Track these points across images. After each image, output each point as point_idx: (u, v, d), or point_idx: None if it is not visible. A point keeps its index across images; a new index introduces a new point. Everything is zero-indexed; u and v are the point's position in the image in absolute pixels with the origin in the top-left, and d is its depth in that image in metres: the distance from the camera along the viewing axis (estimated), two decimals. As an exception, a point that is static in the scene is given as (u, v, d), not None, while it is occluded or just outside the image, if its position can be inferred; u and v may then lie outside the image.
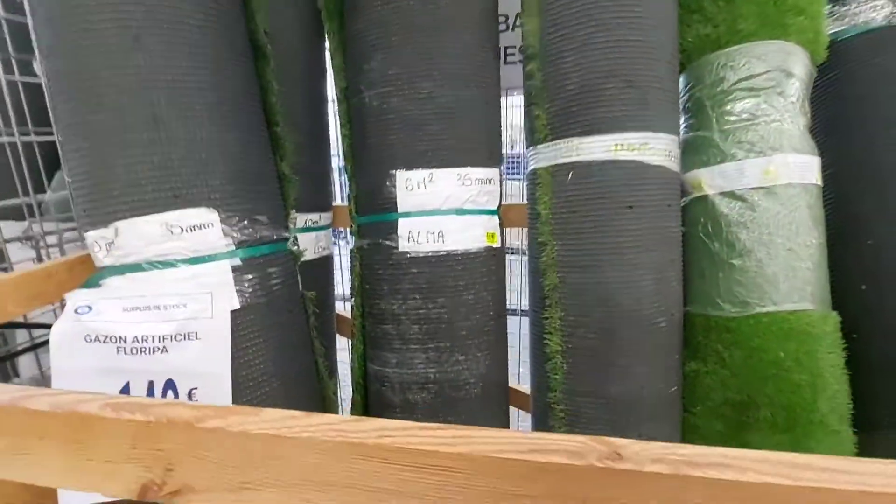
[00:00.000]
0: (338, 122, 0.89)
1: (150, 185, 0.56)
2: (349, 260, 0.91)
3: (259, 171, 0.67)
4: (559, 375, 0.78)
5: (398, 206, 0.78)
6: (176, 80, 0.57)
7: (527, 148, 0.88)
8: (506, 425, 0.88)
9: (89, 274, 0.63)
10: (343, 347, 1.13)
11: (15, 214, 0.76)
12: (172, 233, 0.58)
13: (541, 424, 0.86)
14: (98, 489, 0.28)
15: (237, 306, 0.62)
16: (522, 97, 0.88)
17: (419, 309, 0.79)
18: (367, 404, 0.90)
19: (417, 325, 0.80)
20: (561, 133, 0.76)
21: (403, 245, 0.79)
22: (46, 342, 0.69)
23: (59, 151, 0.60)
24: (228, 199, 0.61)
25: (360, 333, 0.87)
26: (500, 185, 0.83)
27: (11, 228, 0.78)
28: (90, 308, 0.57)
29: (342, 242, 1.81)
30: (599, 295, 0.74)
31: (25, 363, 0.76)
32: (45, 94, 0.60)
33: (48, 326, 0.58)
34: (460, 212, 0.79)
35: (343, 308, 1.21)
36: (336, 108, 0.87)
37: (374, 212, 0.82)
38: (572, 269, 0.76)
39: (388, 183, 0.79)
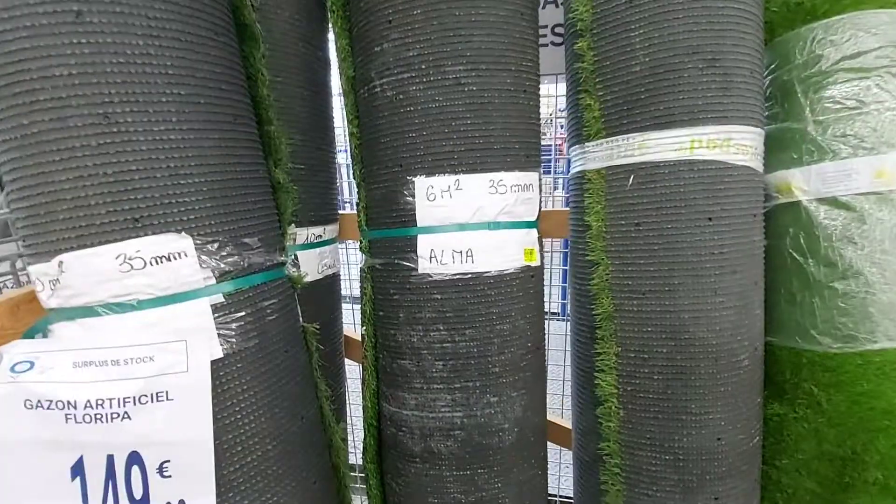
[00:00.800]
0: (344, 119, 0.75)
1: (101, 207, 0.43)
2: (359, 277, 0.78)
3: (246, 182, 0.53)
4: (614, 423, 0.65)
5: (418, 219, 0.65)
6: (132, 66, 0.44)
7: (569, 147, 0.74)
8: (545, 476, 0.74)
9: (37, 316, 0.51)
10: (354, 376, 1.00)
11: None
12: (133, 266, 0.45)
13: (587, 476, 0.73)
14: None
15: (220, 355, 0.49)
16: (564, 84, 0.73)
17: (444, 342, 0.66)
18: (380, 450, 0.77)
19: (442, 360, 0.66)
20: (620, 128, 0.62)
21: (424, 266, 0.65)
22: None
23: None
24: (206, 219, 0.48)
25: (372, 367, 0.74)
26: (540, 192, 0.69)
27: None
28: (31, 364, 0.45)
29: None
30: (668, 326, 0.60)
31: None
32: None
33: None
34: (493, 225, 0.65)
35: (353, 326, 1.08)
36: (343, 101, 0.74)
37: (389, 225, 0.68)
38: (632, 294, 0.62)
39: (405, 191, 0.65)
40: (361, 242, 0.74)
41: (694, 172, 0.58)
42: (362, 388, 0.77)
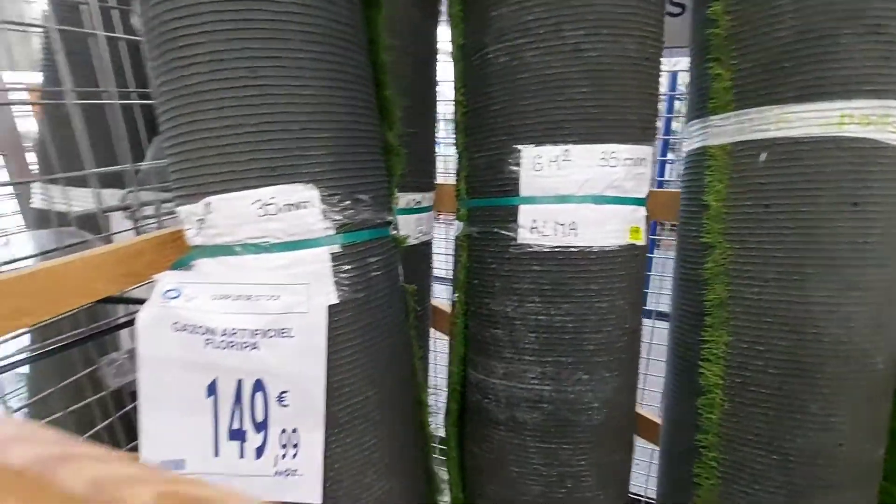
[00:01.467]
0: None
1: (244, 155, 0.47)
2: (453, 249, 0.79)
3: (364, 142, 0.56)
4: (715, 415, 0.61)
5: (521, 188, 0.64)
6: (277, 23, 0.47)
7: (688, 121, 0.69)
8: (629, 462, 0.72)
9: (180, 253, 0.57)
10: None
11: (118, 182, 0.73)
12: (268, 211, 0.48)
13: (677, 469, 0.70)
14: None
15: (335, 301, 0.52)
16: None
17: (539, 314, 0.66)
18: (462, 415, 0.79)
19: (535, 333, 0.66)
20: (754, 99, 0.57)
21: (524, 236, 0.65)
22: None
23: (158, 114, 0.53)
24: (329, 173, 0.51)
25: (461, 334, 0.76)
26: (653, 168, 0.66)
27: (114, 197, 0.76)
28: (178, 293, 0.50)
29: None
30: (792, 318, 0.55)
31: (125, 337, 0.73)
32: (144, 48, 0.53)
33: (142, 302, 0.53)
34: (599, 199, 0.63)
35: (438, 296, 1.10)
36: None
37: (490, 194, 0.68)
38: (753, 281, 0.57)
39: (510, 160, 0.65)
40: (459, 211, 0.75)
41: (841, 151, 0.52)
42: (450, 354, 0.79)
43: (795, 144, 0.53)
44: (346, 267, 0.53)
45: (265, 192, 0.48)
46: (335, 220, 0.52)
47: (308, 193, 0.50)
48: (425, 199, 0.81)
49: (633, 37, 0.61)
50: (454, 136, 0.75)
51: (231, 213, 0.48)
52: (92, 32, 0.67)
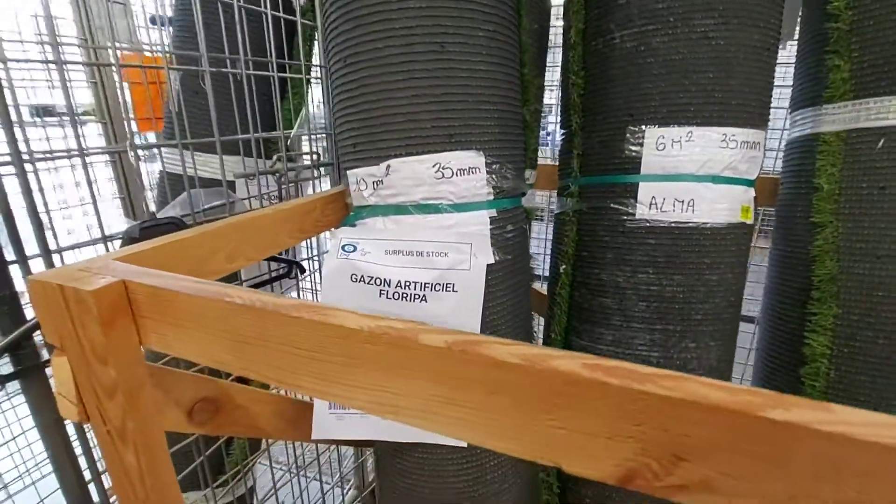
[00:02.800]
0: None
1: (427, 122, 0.52)
2: (553, 225, 0.84)
3: (515, 116, 0.60)
4: (820, 383, 0.66)
5: (643, 166, 0.69)
6: (461, 2, 0.51)
7: (794, 109, 0.74)
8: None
9: (338, 212, 0.62)
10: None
11: (235, 150, 0.78)
12: (444, 175, 0.54)
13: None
14: (559, 461, 0.23)
15: (492, 260, 0.57)
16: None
17: (651, 284, 0.70)
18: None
19: (645, 301, 0.71)
20: (874, 89, 0.61)
21: (642, 212, 0.69)
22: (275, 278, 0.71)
23: (329, 85, 0.58)
24: (494, 143, 0.56)
25: (565, 304, 0.81)
26: (764, 151, 0.70)
27: (236, 164, 0.81)
28: (354, 247, 0.56)
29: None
30: (904, 293, 0.60)
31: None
32: (319, 22, 0.57)
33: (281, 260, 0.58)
34: (717, 179, 0.67)
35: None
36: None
37: (607, 171, 0.73)
38: (864, 257, 0.62)
39: (628, 138, 0.70)
40: (568, 188, 0.79)
41: (965, 137, 0.56)
42: (551, 324, 0.84)
43: (919, 131, 0.58)
44: (499, 230, 0.59)
45: (444, 157, 0.53)
46: (494, 187, 0.57)
47: (478, 160, 0.55)
48: (532, 176, 0.86)
49: (758, 27, 0.65)
50: (564, 116, 0.80)
51: (410, 174, 0.54)
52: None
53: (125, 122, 1.11)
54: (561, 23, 0.82)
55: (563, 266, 0.80)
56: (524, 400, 0.23)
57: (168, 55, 0.82)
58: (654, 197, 0.69)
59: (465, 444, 0.60)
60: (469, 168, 0.54)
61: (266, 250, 0.53)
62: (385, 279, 0.54)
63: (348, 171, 0.58)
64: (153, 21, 1.03)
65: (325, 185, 0.93)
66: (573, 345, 0.80)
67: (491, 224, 0.57)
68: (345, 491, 1.27)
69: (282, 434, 0.59)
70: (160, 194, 0.84)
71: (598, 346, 0.76)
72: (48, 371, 0.47)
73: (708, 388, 0.21)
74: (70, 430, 0.53)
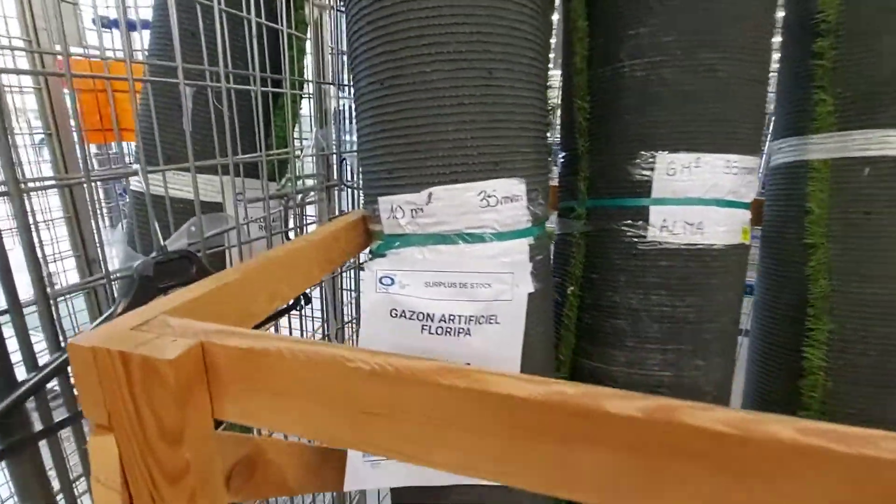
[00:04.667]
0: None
1: (474, 150, 0.50)
2: (555, 246, 0.84)
3: (545, 142, 0.60)
4: (818, 394, 0.71)
5: (654, 190, 0.71)
6: (510, 30, 0.50)
7: (776, 137, 0.79)
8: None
9: (358, 239, 0.58)
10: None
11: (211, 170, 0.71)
12: (489, 203, 0.52)
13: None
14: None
15: (532, 290, 0.56)
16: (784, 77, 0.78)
17: (663, 306, 0.72)
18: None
19: (658, 322, 0.73)
20: (857, 122, 0.67)
21: (654, 234, 0.71)
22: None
23: (356, 106, 0.54)
24: (531, 169, 0.55)
25: (573, 325, 0.81)
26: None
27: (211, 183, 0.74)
28: (392, 280, 0.52)
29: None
30: (890, 308, 0.65)
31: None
32: (347, 45, 0.54)
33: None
34: (721, 203, 0.71)
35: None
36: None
37: (617, 194, 0.74)
38: (852, 277, 0.67)
39: (637, 163, 0.72)
40: (574, 209, 0.80)
41: (939, 168, 0.63)
42: (558, 345, 0.84)
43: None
44: (537, 257, 0.57)
45: (489, 185, 0.51)
46: (532, 214, 0.56)
47: (520, 187, 0.53)
48: (535, 198, 0.86)
49: (755, 62, 0.69)
50: (567, 139, 0.81)
51: (455, 202, 0.51)
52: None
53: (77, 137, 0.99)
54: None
55: (571, 288, 0.80)
56: (736, 469, 0.21)
57: (139, 63, 0.74)
58: (665, 219, 0.71)
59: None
60: (513, 196, 0.53)
61: (300, 286, 0.48)
62: (427, 313, 0.51)
63: (381, 198, 0.54)
64: (109, 24, 0.93)
65: (310, 209, 0.88)
66: (583, 367, 0.80)
67: (529, 252, 0.56)
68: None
69: (309, 486, 0.53)
70: (133, 218, 0.75)
71: (610, 367, 0.77)
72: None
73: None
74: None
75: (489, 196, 0.51)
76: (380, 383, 0.25)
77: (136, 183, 0.77)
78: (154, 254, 0.45)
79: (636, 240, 0.73)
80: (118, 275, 0.45)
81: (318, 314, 1.01)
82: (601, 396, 0.23)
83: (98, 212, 0.93)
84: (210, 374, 0.28)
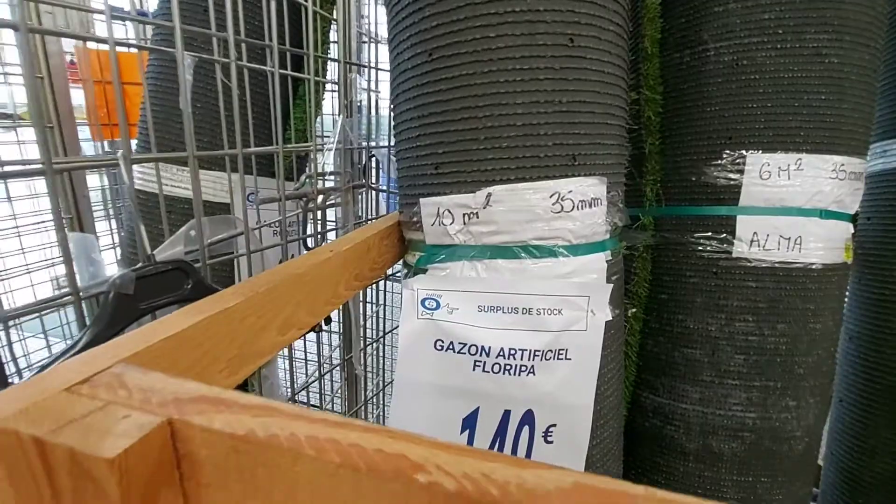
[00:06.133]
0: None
1: (549, 139, 0.39)
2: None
3: (625, 134, 0.49)
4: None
5: (742, 197, 0.59)
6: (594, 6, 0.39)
7: (881, 140, 0.67)
8: (810, 492, 0.68)
9: (392, 250, 0.47)
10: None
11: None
12: (563, 208, 0.40)
13: (869, 497, 0.67)
14: None
15: (610, 317, 0.44)
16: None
17: (749, 334, 0.60)
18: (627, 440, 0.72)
19: (743, 354, 0.61)
20: None
21: (741, 249, 0.60)
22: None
23: (393, 86, 0.44)
24: (612, 167, 0.44)
25: (634, 354, 0.69)
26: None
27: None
28: (437, 302, 0.41)
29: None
30: None
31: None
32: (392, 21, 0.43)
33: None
34: (825, 214, 0.59)
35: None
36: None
37: (694, 202, 0.63)
38: None
39: (721, 164, 0.60)
40: (639, 218, 0.69)
41: None
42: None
43: None
44: (613, 277, 0.46)
45: (564, 185, 0.40)
46: (611, 223, 0.45)
47: (600, 189, 0.42)
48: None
49: (869, 47, 0.58)
50: (634, 136, 0.69)
51: (520, 206, 0.40)
52: None
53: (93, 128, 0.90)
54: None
55: (633, 310, 0.69)
56: None
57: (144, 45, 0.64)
58: (755, 232, 0.59)
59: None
60: (591, 199, 0.42)
61: (321, 311, 0.38)
62: (481, 346, 0.40)
63: (423, 200, 0.43)
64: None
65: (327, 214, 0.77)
66: (645, 402, 0.69)
67: (607, 270, 0.45)
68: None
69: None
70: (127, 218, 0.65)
71: (681, 404, 0.65)
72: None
73: None
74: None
75: (563, 199, 0.40)
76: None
77: (140, 180, 0.67)
78: (140, 265, 0.35)
79: (717, 255, 0.61)
80: (92, 292, 0.35)
81: (334, 326, 0.90)
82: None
83: (77, 213, 0.84)
84: (185, 474, 0.18)
